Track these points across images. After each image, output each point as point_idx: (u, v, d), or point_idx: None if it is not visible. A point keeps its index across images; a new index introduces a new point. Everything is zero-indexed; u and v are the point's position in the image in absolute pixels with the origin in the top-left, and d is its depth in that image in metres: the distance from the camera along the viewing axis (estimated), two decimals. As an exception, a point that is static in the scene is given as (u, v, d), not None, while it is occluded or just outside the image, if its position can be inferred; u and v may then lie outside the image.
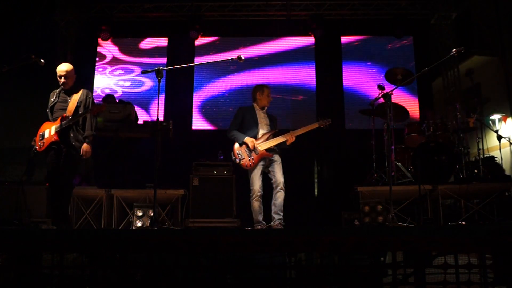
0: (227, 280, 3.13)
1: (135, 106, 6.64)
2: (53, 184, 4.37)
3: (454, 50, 4.33)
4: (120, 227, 5.46)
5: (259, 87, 5.09)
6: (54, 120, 4.39)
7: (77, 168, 4.56)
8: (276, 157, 4.80)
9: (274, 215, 4.65)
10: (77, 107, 4.40)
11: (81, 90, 4.52)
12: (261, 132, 4.92)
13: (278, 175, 4.71)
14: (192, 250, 2.90)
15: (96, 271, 3.23)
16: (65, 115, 4.34)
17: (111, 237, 2.92)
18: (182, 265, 2.96)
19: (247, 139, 4.82)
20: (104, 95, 7.17)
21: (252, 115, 4.99)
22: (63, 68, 4.45)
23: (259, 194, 4.73)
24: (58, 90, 4.51)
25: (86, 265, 3.12)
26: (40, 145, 4.38)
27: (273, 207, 4.67)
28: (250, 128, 4.93)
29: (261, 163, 4.79)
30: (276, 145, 4.84)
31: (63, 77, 4.41)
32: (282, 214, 4.64)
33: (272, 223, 4.66)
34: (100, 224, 5.52)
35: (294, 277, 3.16)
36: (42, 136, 4.38)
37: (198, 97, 8.43)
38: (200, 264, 3.47)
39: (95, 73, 8.49)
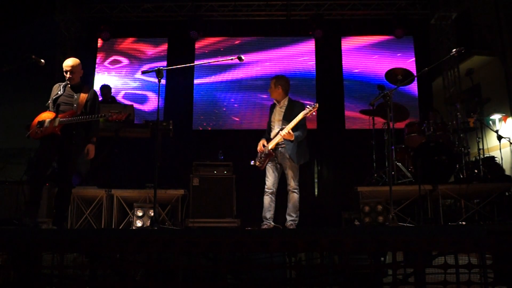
0: (227, 280, 3.13)
1: (135, 106, 6.64)
2: (38, 175, 4.19)
3: (454, 50, 4.33)
4: (120, 227, 5.46)
5: None
6: (58, 112, 4.25)
7: (76, 167, 4.49)
8: (288, 161, 4.68)
9: (286, 216, 4.69)
10: (85, 107, 4.31)
11: (89, 89, 4.42)
12: (274, 131, 4.84)
13: (289, 178, 4.71)
14: (192, 250, 2.90)
15: (96, 271, 3.23)
16: (74, 111, 4.22)
17: (111, 237, 2.92)
18: (182, 265, 2.96)
19: (260, 143, 4.89)
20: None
21: (271, 112, 4.98)
22: (69, 63, 4.34)
23: (268, 190, 4.75)
24: (64, 83, 4.38)
25: (86, 265, 3.12)
26: (37, 132, 4.20)
27: (287, 209, 4.71)
28: (270, 127, 4.96)
29: (272, 161, 4.79)
30: (285, 143, 4.68)
31: (69, 72, 4.30)
32: (295, 215, 4.64)
33: (285, 224, 4.70)
34: (100, 224, 5.52)
35: (294, 277, 3.16)
36: (41, 124, 4.20)
37: (198, 97, 8.43)
38: (200, 264, 3.47)
39: (95, 73, 8.49)
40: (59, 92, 4.33)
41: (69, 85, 4.36)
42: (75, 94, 4.32)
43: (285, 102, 4.87)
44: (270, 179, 4.76)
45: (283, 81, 4.89)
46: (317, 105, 4.62)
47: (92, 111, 4.33)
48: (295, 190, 4.67)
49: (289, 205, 4.67)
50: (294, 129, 4.62)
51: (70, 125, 4.21)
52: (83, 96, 4.32)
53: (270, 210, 4.71)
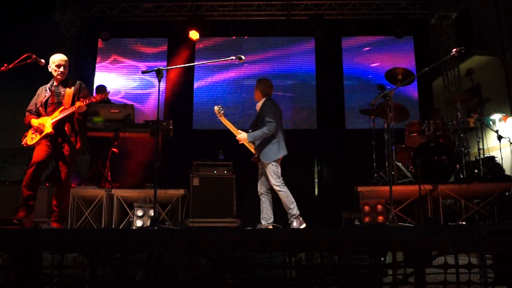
0: (227, 280, 3.13)
1: (135, 106, 6.63)
2: (34, 174, 4.13)
3: (454, 50, 4.33)
4: (120, 227, 5.46)
5: None
6: (49, 114, 4.23)
7: (73, 165, 4.45)
8: (263, 164, 4.76)
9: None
10: (73, 99, 4.25)
11: (75, 82, 4.38)
12: None
13: (268, 178, 4.74)
14: (192, 250, 2.90)
15: (96, 271, 3.23)
16: (63, 107, 4.20)
17: (111, 237, 2.92)
18: (182, 265, 2.96)
19: None
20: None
21: None
22: (63, 57, 4.33)
23: (258, 192, 4.79)
24: (48, 84, 4.35)
25: (86, 265, 3.11)
26: (32, 138, 4.20)
27: None
28: None
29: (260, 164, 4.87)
30: (255, 148, 4.82)
31: (62, 66, 4.28)
32: (289, 210, 4.63)
33: None
34: (100, 224, 5.52)
35: (294, 277, 3.16)
36: (36, 129, 4.19)
37: (198, 97, 8.42)
38: (200, 264, 3.47)
39: (95, 73, 8.49)
40: (46, 95, 4.29)
41: (55, 84, 4.33)
42: (62, 91, 4.30)
43: (260, 104, 4.91)
44: (259, 182, 4.83)
45: (261, 84, 4.95)
46: (216, 108, 4.86)
47: (86, 103, 4.22)
48: (277, 187, 4.65)
49: (282, 203, 4.70)
50: (260, 126, 4.71)
51: (62, 122, 4.19)
52: (69, 90, 4.29)
53: (262, 211, 4.73)
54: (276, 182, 4.64)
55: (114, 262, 3.22)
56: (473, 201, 5.74)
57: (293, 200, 4.64)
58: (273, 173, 4.65)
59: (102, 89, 6.81)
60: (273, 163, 4.66)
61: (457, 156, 5.75)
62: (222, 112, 4.88)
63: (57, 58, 4.31)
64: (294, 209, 4.62)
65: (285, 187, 4.66)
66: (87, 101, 4.18)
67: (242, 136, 4.77)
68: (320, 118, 8.19)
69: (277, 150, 4.70)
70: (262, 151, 4.71)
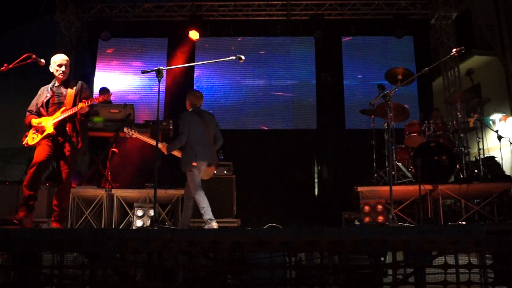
0: (227, 280, 3.13)
1: (136, 106, 6.62)
2: (35, 174, 4.11)
3: (454, 50, 4.32)
4: (120, 227, 5.46)
5: None
6: (50, 114, 4.23)
7: (74, 165, 4.45)
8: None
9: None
10: (75, 99, 4.26)
11: (76, 83, 4.38)
12: None
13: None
14: (192, 250, 2.90)
15: (96, 271, 3.23)
16: (65, 108, 4.22)
17: (111, 237, 2.92)
18: (182, 265, 2.96)
19: None
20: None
21: None
22: (65, 57, 4.34)
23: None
24: (50, 85, 4.35)
25: (86, 265, 3.11)
26: (33, 138, 4.20)
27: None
28: None
29: None
30: None
31: (63, 66, 4.28)
32: (202, 213, 4.68)
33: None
34: (100, 224, 5.52)
35: (294, 277, 3.16)
36: (37, 129, 4.20)
37: (198, 97, 8.42)
38: (200, 264, 3.47)
39: (95, 73, 8.49)
40: (48, 95, 4.29)
41: (56, 85, 4.32)
42: (63, 91, 4.30)
43: None
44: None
45: (191, 95, 5.03)
46: (125, 130, 4.92)
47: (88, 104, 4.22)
48: (195, 196, 4.65)
49: None
50: None
51: (63, 122, 4.20)
52: (71, 91, 4.29)
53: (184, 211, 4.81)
54: (194, 192, 4.63)
55: (114, 262, 3.22)
56: (473, 201, 5.74)
57: (204, 205, 4.62)
58: (191, 182, 4.67)
59: (105, 91, 6.83)
60: (188, 172, 4.68)
61: (457, 156, 5.75)
62: (132, 130, 4.86)
63: (59, 58, 4.31)
64: (205, 214, 4.62)
65: (201, 193, 4.64)
66: (90, 102, 4.19)
67: (163, 146, 4.83)
68: (320, 118, 8.18)
69: (190, 157, 4.69)
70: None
